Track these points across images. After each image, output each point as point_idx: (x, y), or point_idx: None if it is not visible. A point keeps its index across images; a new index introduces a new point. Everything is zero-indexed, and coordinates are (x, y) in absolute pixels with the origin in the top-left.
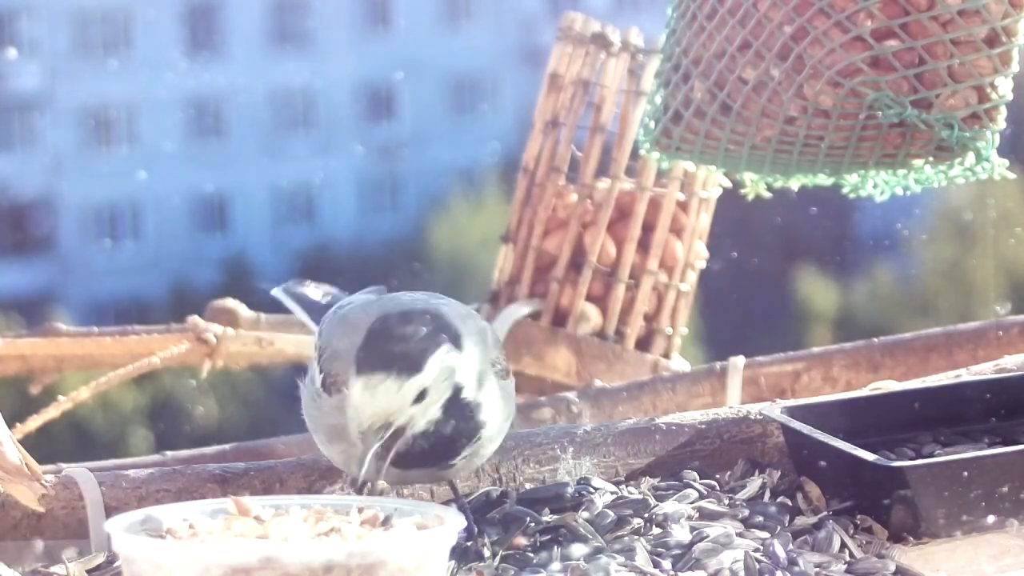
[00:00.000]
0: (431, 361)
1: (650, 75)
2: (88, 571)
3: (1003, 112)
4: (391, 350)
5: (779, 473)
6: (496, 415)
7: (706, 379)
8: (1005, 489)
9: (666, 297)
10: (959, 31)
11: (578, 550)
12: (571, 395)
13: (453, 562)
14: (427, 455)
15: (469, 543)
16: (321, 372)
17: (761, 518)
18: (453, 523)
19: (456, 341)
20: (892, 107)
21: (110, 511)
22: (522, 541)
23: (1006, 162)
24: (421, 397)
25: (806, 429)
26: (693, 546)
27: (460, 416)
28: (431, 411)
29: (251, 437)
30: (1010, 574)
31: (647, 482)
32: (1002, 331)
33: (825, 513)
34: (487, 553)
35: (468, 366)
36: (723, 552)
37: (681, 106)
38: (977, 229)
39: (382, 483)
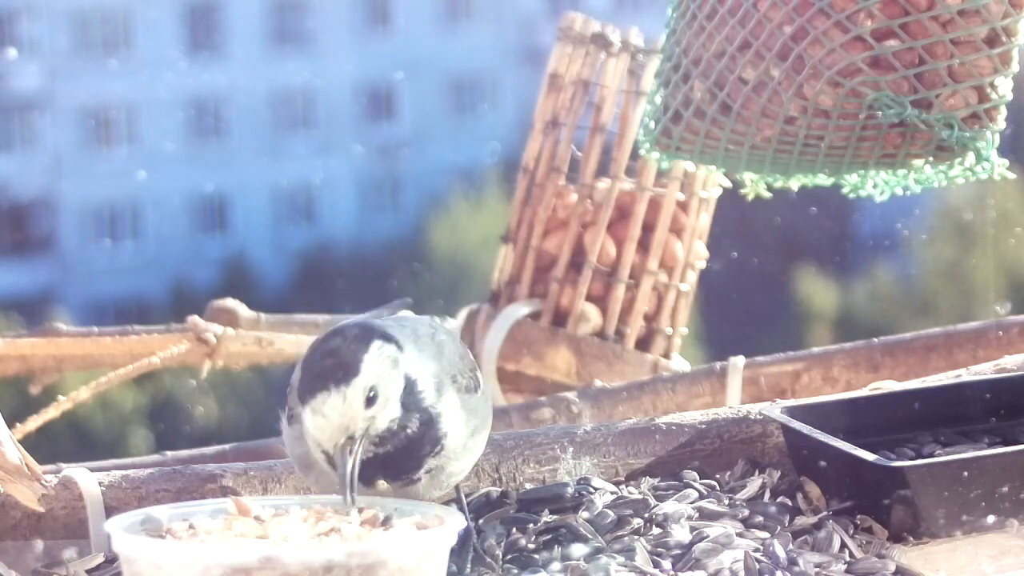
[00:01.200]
0: (366, 359)
1: (650, 75)
2: (88, 571)
3: (1003, 112)
4: (324, 367)
5: (779, 473)
6: (458, 428)
7: (706, 379)
8: (1005, 489)
9: (666, 297)
10: (959, 31)
11: (578, 550)
12: (571, 395)
13: (455, 566)
14: (390, 465)
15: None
16: (287, 407)
17: (761, 518)
18: (453, 523)
19: (391, 340)
20: (892, 107)
21: (110, 511)
22: (522, 541)
23: (1006, 162)
24: (372, 398)
25: (806, 429)
26: (693, 546)
27: (421, 419)
28: (390, 407)
29: (251, 437)
30: (1010, 574)
31: (647, 482)
32: (1002, 331)
33: (825, 513)
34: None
35: (416, 366)
36: (723, 552)
37: (681, 106)
38: (977, 229)
39: (382, 483)
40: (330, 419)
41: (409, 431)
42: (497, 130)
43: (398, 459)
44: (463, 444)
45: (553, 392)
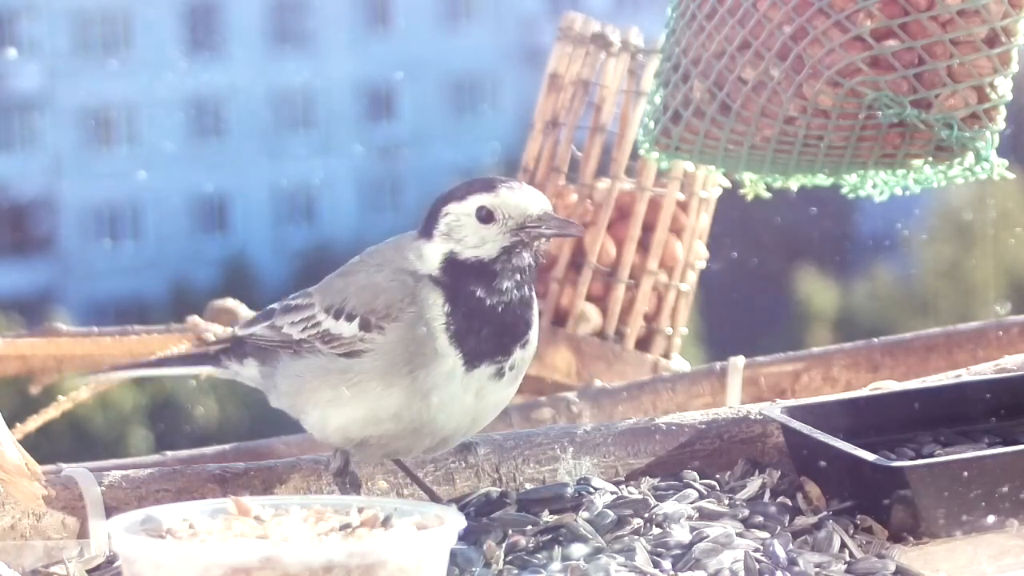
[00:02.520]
0: None
1: (650, 75)
2: (88, 571)
3: (1003, 112)
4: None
5: (779, 473)
6: (536, 326)
7: (706, 379)
8: (1005, 489)
9: (666, 297)
10: (959, 31)
11: (578, 550)
12: (571, 395)
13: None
14: (507, 329)
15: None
16: (352, 318)
17: (761, 518)
18: (453, 523)
19: None
20: (892, 107)
21: (110, 511)
22: (522, 541)
23: (1006, 162)
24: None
25: (806, 429)
26: (693, 546)
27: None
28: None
29: (251, 437)
30: (1010, 574)
31: (647, 482)
32: (1002, 331)
33: (825, 513)
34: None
35: None
36: (723, 552)
37: (681, 106)
38: (977, 229)
39: (382, 483)
40: (522, 194)
41: (527, 289)
42: (497, 130)
43: (510, 323)
44: (534, 348)
45: (553, 392)
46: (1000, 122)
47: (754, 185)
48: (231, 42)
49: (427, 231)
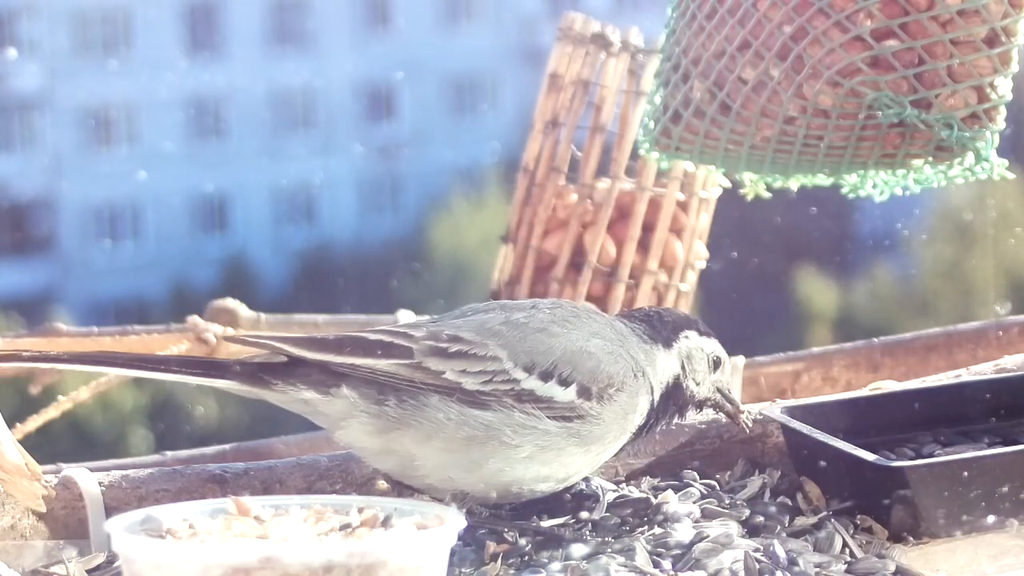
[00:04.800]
0: None
1: (650, 75)
2: (88, 571)
3: (1003, 112)
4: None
5: (779, 473)
6: None
7: None
8: (1005, 489)
9: (666, 297)
10: (959, 31)
11: (578, 550)
12: None
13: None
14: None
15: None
16: (566, 384)
17: (761, 518)
18: (453, 523)
19: None
20: (892, 107)
21: (110, 511)
22: (521, 542)
23: (1006, 162)
24: None
25: (806, 429)
26: (693, 546)
27: None
28: None
29: (251, 437)
30: (1010, 574)
31: (647, 482)
32: (1002, 331)
33: (825, 513)
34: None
35: None
36: (723, 552)
37: (681, 106)
38: (977, 229)
39: (382, 483)
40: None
41: None
42: (497, 130)
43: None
44: None
45: None
46: (1000, 122)
47: (754, 185)
48: (231, 42)
49: (662, 339)
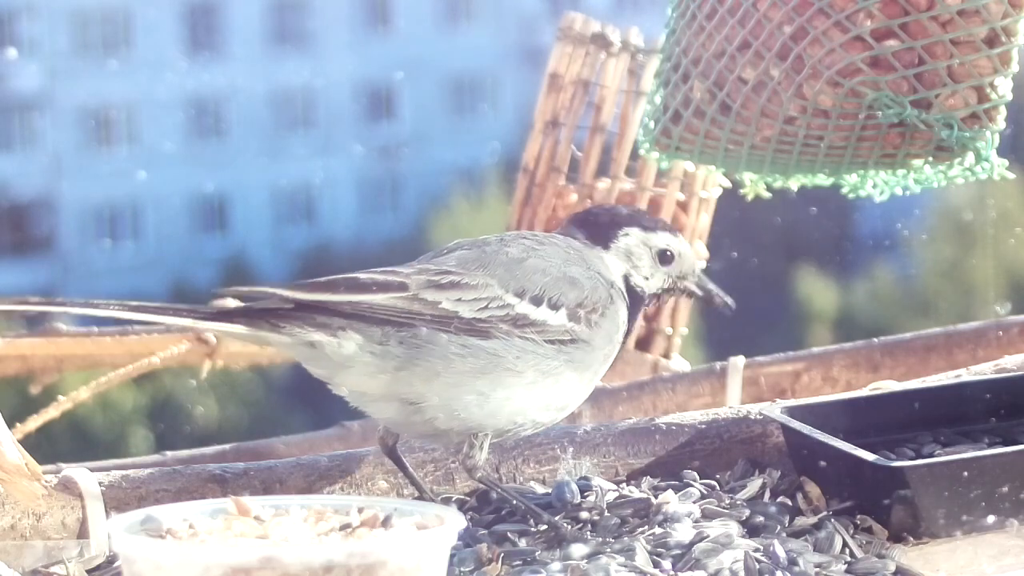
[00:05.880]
0: None
1: (650, 75)
2: (88, 571)
3: (1003, 112)
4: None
5: (779, 473)
6: None
7: (706, 379)
8: (1005, 489)
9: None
10: (959, 31)
11: (578, 550)
12: None
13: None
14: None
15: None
16: (556, 307)
17: (761, 518)
18: (453, 523)
19: None
20: (892, 107)
21: (110, 511)
22: (522, 541)
23: (1006, 162)
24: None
25: (806, 429)
26: (693, 546)
27: None
28: None
29: (251, 437)
30: (1010, 574)
31: (647, 482)
32: (1002, 331)
33: (825, 513)
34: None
35: None
36: (723, 552)
37: (681, 106)
38: (977, 229)
39: (382, 482)
40: (691, 249)
41: None
42: (497, 130)
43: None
44: None
45: None
46: (1000, 122)
47: (754, 185)
48: (231, 42)
49: (601, 242)
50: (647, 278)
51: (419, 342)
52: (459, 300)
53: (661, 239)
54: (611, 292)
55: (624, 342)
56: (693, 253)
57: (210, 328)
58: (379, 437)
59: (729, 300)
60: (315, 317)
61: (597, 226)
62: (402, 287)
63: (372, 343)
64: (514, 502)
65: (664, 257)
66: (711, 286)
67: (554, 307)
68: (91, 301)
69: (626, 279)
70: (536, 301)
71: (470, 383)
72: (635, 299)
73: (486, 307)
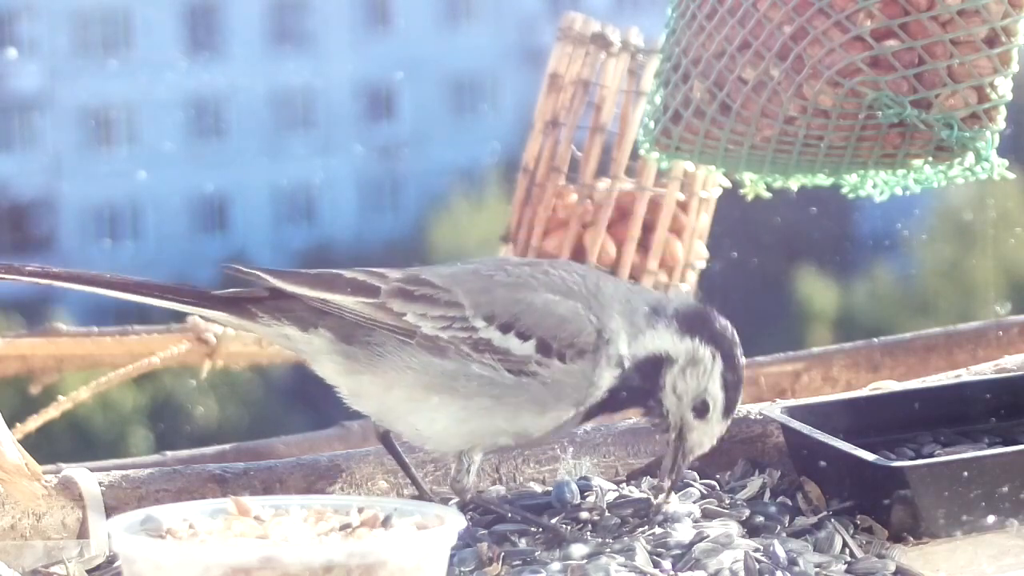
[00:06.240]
0: None
1: (650, 75)
2: (88, 571)
3: (1003, 112)
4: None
5: (779, 473)
6: None
7: None
8: (1005, 489)
9: None
10: (959, 31)
11: (578, 550)
12: None
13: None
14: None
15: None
16: (525, 338)
17: (761, 518)
18: (453, 523)
19: None
20: (892, 107)
21: (110, 511)
22: (520, 543)
23: (1006, 162)
24: None
25: (806, 429)
26: (693, 546)
27: None
28: None
29: (251, 437)
30: (1010, 574)
31: (647, 482)
32: (1002, 331)
33: (825, 513)
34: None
35: None
36: (723, 552)
37: (681, 106)
38: (977, 229)
39: (382, 482)
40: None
41: None
42: (497, 130)
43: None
44: None
45: None
46: (1000, 122)
47: (754, 185)
48: (231, 42)
49: (687, 329)
50: (678, 397)
51: (381, 351)
52: (423, 315)
53: (722, 396)
54: (600, 342)
55: (607, 411)
56: (712, 441)
57: (190, 311)
58: (373, 422)
59: (668, 504)
60: (294, 309)
61: (704, 321)
62: (373, 292)
63: (340, 343)
64: (509, 516)
65: (700, 407)
66: (678, 465)
67: (523, 336)
68: (72, 272)
69: (657, 366)
70: (504, 328)
71: (423, 399)
72: (644, 392)
73: (449, 326)
